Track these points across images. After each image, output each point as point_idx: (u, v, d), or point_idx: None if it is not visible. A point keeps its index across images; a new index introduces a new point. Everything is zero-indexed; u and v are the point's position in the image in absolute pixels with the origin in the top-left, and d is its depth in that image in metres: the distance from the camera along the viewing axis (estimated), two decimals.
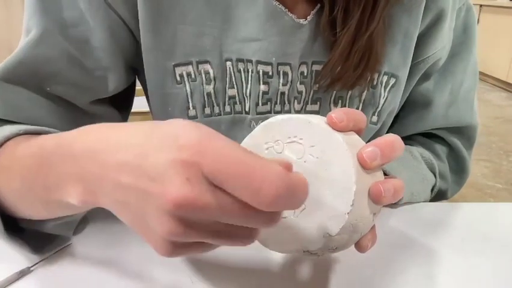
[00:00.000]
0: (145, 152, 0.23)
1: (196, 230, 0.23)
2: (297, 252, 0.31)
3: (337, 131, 0.29)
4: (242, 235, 0.25)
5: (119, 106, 0.52)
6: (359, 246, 0.31)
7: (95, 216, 0.46)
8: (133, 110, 0.57)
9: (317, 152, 0.29)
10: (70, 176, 0.28)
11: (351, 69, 0.45)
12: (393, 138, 0.30)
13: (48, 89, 0.44)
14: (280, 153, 0.30)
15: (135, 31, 0.45)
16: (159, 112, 0.49)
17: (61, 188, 0.28)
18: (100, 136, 0.27)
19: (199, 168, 0.22)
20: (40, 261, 0.38)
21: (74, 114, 0.46)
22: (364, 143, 0.30)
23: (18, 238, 0.36)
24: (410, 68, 0.51)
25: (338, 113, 0.29)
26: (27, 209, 0.34)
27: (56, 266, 0.38)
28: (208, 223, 0.23)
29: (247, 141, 0.32)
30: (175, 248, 0.24)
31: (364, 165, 0.29)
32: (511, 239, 0.45)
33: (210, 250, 0.26)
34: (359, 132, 0.31)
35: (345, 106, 0.49)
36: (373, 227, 0.32)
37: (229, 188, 0.22)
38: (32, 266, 0.37)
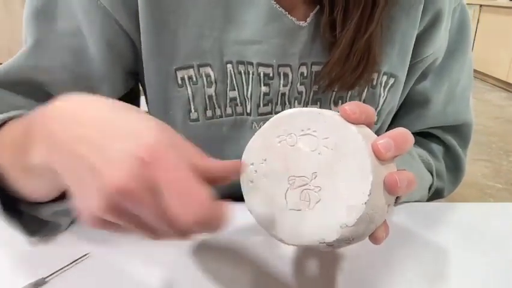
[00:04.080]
0: (111, 137, 0.26)
1: (121, 216, 0.26)
2: (312, 244, 0.30)
3: (350, 122, 0.29)
4: (159, 233, 0.27)
5: None
6: (374, 238, 0.31)
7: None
8: None
9: (331, 143, 0.29)
10: (38, 137, 0.30)
11: (350, 70, 0.45)
12: (405, 131, 0.30)
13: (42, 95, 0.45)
14: (293, 145, 0.30)
15: (135, 38, 0.45)
16: (160, 116, 0.49)
17: (31, 147, 0.31)
18: (79, 106, 0.29)
19: (149, 169, 0.24)
20: (56, 272, 0.37)
21: None
22: (376, 135, 0.30)
23: (17, 220, 0.38)
24: (409, 68, 0.51)
25: (351, 105, 0.29)
26: (17, 180, 0.36)
27: (72, 277, 0.37)
28: (134, 215, 0.26)
29: (257, 138, 0.32)
30: (98, 221, 0.26)
31: (379, 156, 0.28)
32: (511, 238, 0.45)
33: (128, 233, 0.28)
34: (369, 126, 0.31)
35: None
36: (385, 219, 0.32)
37: (163, 196, 0.24)
38: (47, 277, 0.36)
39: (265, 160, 0.31)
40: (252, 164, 0.32)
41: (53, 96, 0.43)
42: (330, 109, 0.49)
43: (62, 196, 0.37)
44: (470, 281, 0.38)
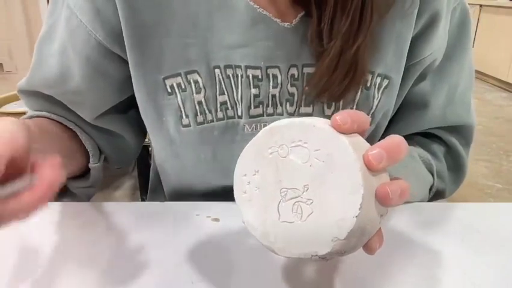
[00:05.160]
0: None
1: None
2: (305, 257, 0.30)
3: (342, 133, 0.29)
4: None
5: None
6: (368, 248, 0.31)
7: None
8: None
9: (323, 155, 0.29)
10: None
11: (338, 81, 0.45)
12: (399, 140, 0.30)
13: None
14: (285, 157, 0.30)
15: (120, 51, 0.47)
16: (154, 122, 0.50)
17: None
18: None
19: None
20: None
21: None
22: (369, 145, 0.30)
23: None
24: (406, 69, 0.51)
25: (342, 115, 0.29)
26: None
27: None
28: None
29: (250, 148, 0.32)
30: None
31: (370, 167, 0.28)
32: (511, 239, 0.45)
33: None
34: (362, 133, 0.31)
35: (338, 108, 0.49)
36: (379, 229, 0.32)
37: None
38: None
39: (257, 171, 0.31)
40: (245, 175, 0.32)
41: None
42: (324, 111, 0.49)
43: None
44: (470, 281, 0.38)
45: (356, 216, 0.28)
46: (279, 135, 0.30)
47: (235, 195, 0.33)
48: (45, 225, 0.44)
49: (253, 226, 0.32)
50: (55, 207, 0.48)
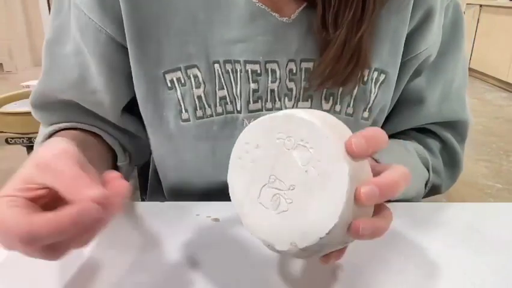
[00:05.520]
0: None
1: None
2: (262, 242, 0.32)
3: (351, 156, 0.28)
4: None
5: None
6: (323, 260, 0.32)
7: None
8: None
9: (320, 168, 0.29)
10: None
11: (342, 68, 0.45)
12: (397, 179, 0.30)
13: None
14: (288, 150, 0.30)
15: (126, 45, 0.47)
16: (153, 117, 0.50)
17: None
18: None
19: None
20: None
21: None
22: (370, 172, 0.30)
23: None
24: (402, 64, 0.51)
25: (358, 139, 0.28)
26: None
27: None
28: None
29: (264, 122, 0.32)
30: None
31: (358, 202, 0.28)
32: (511, 239, 0.45)
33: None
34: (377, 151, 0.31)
35: (336, 103, 0.50)
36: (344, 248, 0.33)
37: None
38: None
39: (258, 147, 0.32)
40: (247, 143, 0.32)
41: (81, 108, 0.51)
42: (322, 106, 0.49)
43: None
44: (470, 281, 0.38)
45: (321, 238, 0.29)
46: (293, 126, 0.30)
47: (231, 154, 0.33)
48: None
49: (233, 190, 0.33)
50: None
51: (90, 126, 0.52)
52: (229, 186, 0.34)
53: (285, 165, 0.30)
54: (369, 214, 0.31)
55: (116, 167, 0.55)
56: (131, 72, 0.49)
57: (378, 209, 0.31)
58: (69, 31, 0.48)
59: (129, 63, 0.48)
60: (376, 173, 0.31)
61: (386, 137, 0.30)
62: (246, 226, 0.33)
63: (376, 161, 0.47)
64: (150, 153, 0.62)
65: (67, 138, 0.36)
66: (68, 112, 0.52)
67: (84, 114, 0.52)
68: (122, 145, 0.56)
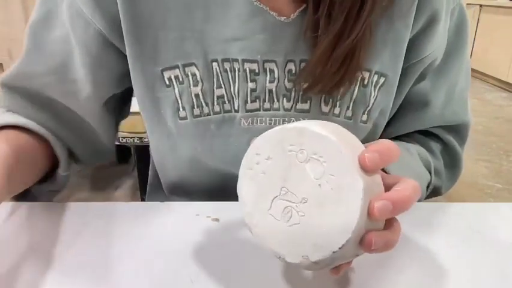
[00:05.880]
0: None
1: None
2: (272, 254, 0.32)
3: (364, 170, 0.29)
4: None
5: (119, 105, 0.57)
6: (332, 271, 0.32)
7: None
8: (134, 110, 0.58)
9: (334, 182, 0.29)
10: None
11: (330, 74, 0.45)
12: (409, 194, 0.30)
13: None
14: (301, 163, 0.30)
15: (119, 43, 0.47)
16: (152, 115, 0.50)
17: None
18: None
19: None
20: None
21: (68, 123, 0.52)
22: (382, 187, 0.30)
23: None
24: (406, 68, 0.51)
25: (372, 154, 0.29)
26: None
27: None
28: None
29: (275, 133, 0.31)
30: None
31: (371, 216, 0.28)
32: (511, 239, 0.45)
33: None
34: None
35: (335, 105, 0.49)
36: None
37: None
38: None
39: (270, 158, 0.31)
40: (258, 154, 0.32)
41: (48, 99, 0.50)
42: (321, 108, 0.49)
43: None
44: (470, 282, 0.38)
45: (334, 252, 0.29)
46: (306, 140, 0.30)
47: (241, 165, 0.33)
48: (44, 225, 0.44)
49: (244, 201, 0.33)
50: (55, 207, 0.48)
51: (41, 128, 0.49)
52: (239, 196, 0.33)
53: (298, 178, 0.30)
54: (380, 227, 0.30)
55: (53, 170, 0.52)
56: (117, 69, 0.49)
57: (389, 221, 0.31)
58: (58, 17, 0.47)
59: (116, 60, 0.48)
60: (386, 185, 0.31)
61: (399, 151, 0.31)
62: (256, 236, 0.32)
63: (383, 169, 0.47)
64: (111, 155, 0.61)
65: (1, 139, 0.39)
66: (32, 104, 0.50)
67: (44, 109, 0.50)
68: (71, 148, 0.54)
